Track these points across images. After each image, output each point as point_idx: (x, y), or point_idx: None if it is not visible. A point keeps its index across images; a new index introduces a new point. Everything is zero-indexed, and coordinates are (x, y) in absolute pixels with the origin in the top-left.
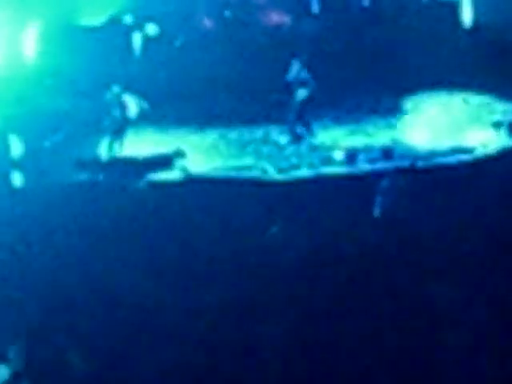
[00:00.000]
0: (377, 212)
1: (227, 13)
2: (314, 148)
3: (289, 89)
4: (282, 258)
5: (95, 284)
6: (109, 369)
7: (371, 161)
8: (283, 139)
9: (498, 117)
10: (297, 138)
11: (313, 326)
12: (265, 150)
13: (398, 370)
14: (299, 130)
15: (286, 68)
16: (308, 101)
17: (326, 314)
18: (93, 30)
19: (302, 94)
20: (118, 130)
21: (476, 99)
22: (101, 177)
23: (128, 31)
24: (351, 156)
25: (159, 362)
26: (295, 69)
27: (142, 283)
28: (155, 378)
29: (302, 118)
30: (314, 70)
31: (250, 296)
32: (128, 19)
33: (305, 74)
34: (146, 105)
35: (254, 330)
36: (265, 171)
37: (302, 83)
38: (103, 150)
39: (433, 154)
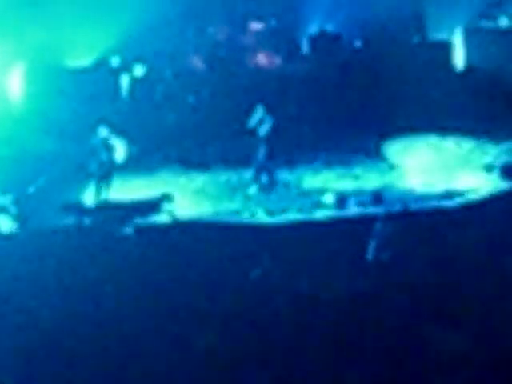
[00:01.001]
0: (369, 256)
1: (217, 53)
2: (304, 192)
3: (252, 135)
4: (270, 302)
5: (80, 329)
6: None
7: (362, 205)
8: (252, 190)
9: (489, 160)
10: (264, 187)
11: (302, 373)
12: (256, 193)
13: None
14: (264, 178)
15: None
16: (270, 148)
17: (315, 360)
18: (80, 71)
19: (264, 140)
20: (105, 174)
21: (467, 142)
22: (87, 222)
23: (115, 73)
24: (341, 200)
25: None
26: (258, 115)
27: (128, 328)
28: None
29: (266, 166)
30: (302, 113)
31: (239, 341)
32: (115, 60)
33: (268, 120)
34: (133, 148)
35: (239, 376)
36: (254, 215)
37: (264, 129)
38: (90, 195)
39: (425, 197)
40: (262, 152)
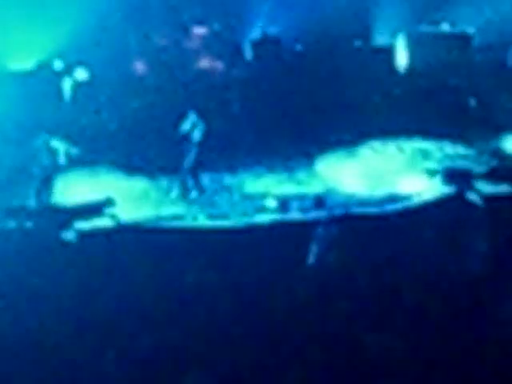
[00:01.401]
0: (310, 260)
1: (160, 57)
2: (247, 196)
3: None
4: (212, 306)
5: (23, 335)
6: None
7: (304, 209)
8: (174, 193)
9: (432, 164)
10: (186, 192)
11: (244, 376)
12: (197, 196)
13: None
14: (190, 183)
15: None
16: (198, 155)
17: (256, 366)
18: (22, 74)
19: (193, 148)
20: (47, 177)
21: (410, 147)
22: (29, 225)
23: (57, 76)
24: (284, 204)
25: None
26: (190, 121)
27: (71, 334)
28: None
29: (194, 172)
30: (244, 117)
31: (178, 344)
32: (58, 64)
33: (200, 126)
34: (75, 151)
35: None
36: (195, 217)
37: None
38: (32, 198)
39: (366, 202)
40: (190, 157)
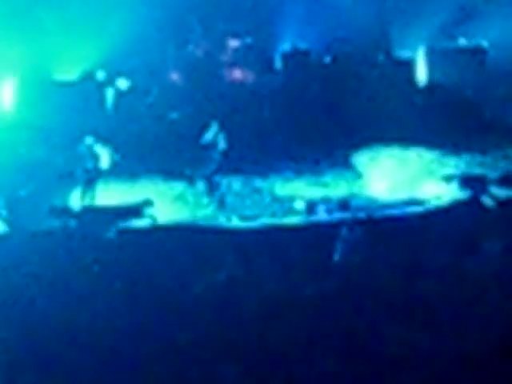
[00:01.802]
0: (336, 258)
1: (195, 68)
2: (276, 198)
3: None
4: (243, 302)
5: (67, 329)
6: None
7: (329, 211)
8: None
9: (449, 171)
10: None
11: (267, 369)
12: (229, 199)
13: None
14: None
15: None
16: (219, 163)
17: (284, 356)
18: (67, 84)
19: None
20: (90, 180)
21: (429, 154)
22: (73, 224)
23: (101, 86)
24: (311, 207)
25: None
26: (212, 132)
27: (113, 324)
28: None
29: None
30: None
31: (214, 335)
32: (100, 74)
33: (221, 138)
34: (117, 156)
35: (216, 370)
36: (229, 218)
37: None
38: (76, 199)
39: (388, 205)
40: (211, 163)
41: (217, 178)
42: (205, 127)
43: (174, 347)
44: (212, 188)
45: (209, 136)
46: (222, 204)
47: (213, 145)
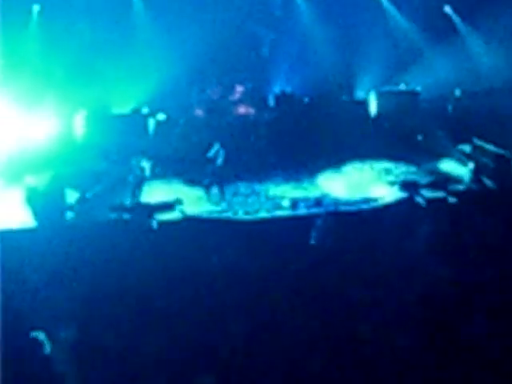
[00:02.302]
0: (312, 242)
1: (211, 105)
2: (270, 198)
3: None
4: (247, 270)
5: (119, 292)
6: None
7: (307, 207)
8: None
9: (392, 178)
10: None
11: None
12: (235, 199)
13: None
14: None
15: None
16: (219, 173)
17: (277, 320)
18: (122, 116)
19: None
20: (138, 185)
21: (378, 166)
22: (126, 217)
23: (145, 117)
24: (294, 204)
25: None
26: (215, 148)
27: (151, 288)
28: None
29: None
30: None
31: (226, 295)
32: (145, 110)
33: (221, 154)
34: (156, 168)
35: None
36: (236, 213)
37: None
38: (128, 198)
39: (348, 203)
40: (213, 173)
41: (227, 184)
42: (208, 147)
43: (198, 306)
44: (223, 191)
45: (210, 153)
46: (230, 202)
47: (213, 159)
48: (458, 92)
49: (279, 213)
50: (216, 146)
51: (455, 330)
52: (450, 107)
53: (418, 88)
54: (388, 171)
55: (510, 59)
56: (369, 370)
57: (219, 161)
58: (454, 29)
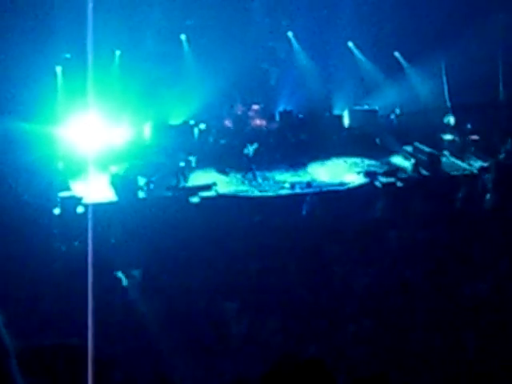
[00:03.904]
0: (304, 212)
1: (236, 119)
2: (276, 182)
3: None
4: (265, 229)
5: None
6: None
7: (302, 188)
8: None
9: (359, 169)
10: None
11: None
12: (253, 183)
13: None
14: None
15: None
16: (252, 163)
17: (270, 270)
18: (175, 126)
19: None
20: (186, 172)
21: (349, 160)
22: (179, 194)
23: (191, 127)
24: (292, 186)
25: None
26: (251, 149)
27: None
28: None
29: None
30: (276, 148)
31: (253, 247)
32: (191, 121)
33: (252, 152)
34: (198, 162)
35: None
36: (253, 192)
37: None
38: (179, 182)
39: (329, 185)
40: (250, 164)
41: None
42: (245, 146)
43: (226, 253)
44: (246, 177)
45: (247, 151)
46: (250, 184)
47: (249, 155)
48: (397, 110)
49: (282, 192)
50: (250, 146)
51: (399, 273)
52: (395, 121)
53: (377, 107)
54: (356, 164)
55: (438, 88)
56: (339, 294)
57: (252, 155)
58: (400, 67)
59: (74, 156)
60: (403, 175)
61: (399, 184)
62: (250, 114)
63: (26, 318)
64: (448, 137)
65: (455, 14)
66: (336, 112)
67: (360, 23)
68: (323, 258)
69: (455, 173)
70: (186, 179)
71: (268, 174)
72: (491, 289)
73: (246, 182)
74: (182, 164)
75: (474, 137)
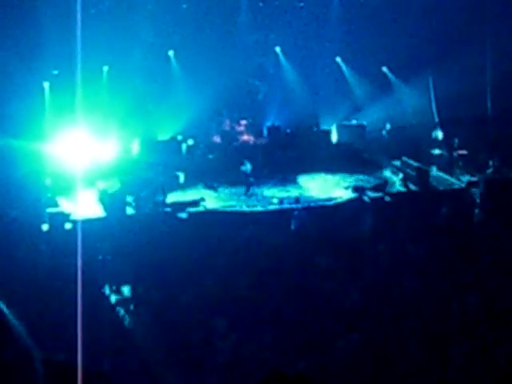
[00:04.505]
0: (292, 227)
1: (224, 134)
2: (264, 197)
3: (246, 174)
4: (255, 242)
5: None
6: None
7: (290, 203)
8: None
9: (347, 184)
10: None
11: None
12: (241, 197)
13: None
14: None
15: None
16: (252, 180)
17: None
18: (163, 142)
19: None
20: (174, 188)
21: (337, 176)
22: (166, 210)
23: (179, 142)
24: (281, 201)
25: None
26: (248, 165)
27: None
28: None
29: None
30: (264, 164)
31: (246, 260)
32: (179, 137)
33: (250, 168)
34: (186, 177)
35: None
36: (241, 207)
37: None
38: (167, 197)
39: (317, 200)
40: (247, 179)
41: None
42: (241, 162)
43: (214, 269)
44: (247, 194)
45: (244, 167)
46: (238, 200)
47: (246, 171)
48: (388, 126)
49: (270, 207)
50: (248, 163)
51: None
52: (385, 136)
53: (365, 123)
54: (344, 179)
55: (426, 103)
56: (327, 309)
57: (248, 172)
58: (388, 83)
59: (62, 172)
60: (391, 190)
61: (387, 199)
62: (238, 129)
63: None
64: (436, 151)
65: (442, 30)
66: (324, 127)
67: (348, 38)
68: (312, 273)
69: (443, 187)
70: (175, 194)
71: (256, 190)
72: (479, 303)
73: (244, 198)
74: (172, 179)
75: (462, 151)
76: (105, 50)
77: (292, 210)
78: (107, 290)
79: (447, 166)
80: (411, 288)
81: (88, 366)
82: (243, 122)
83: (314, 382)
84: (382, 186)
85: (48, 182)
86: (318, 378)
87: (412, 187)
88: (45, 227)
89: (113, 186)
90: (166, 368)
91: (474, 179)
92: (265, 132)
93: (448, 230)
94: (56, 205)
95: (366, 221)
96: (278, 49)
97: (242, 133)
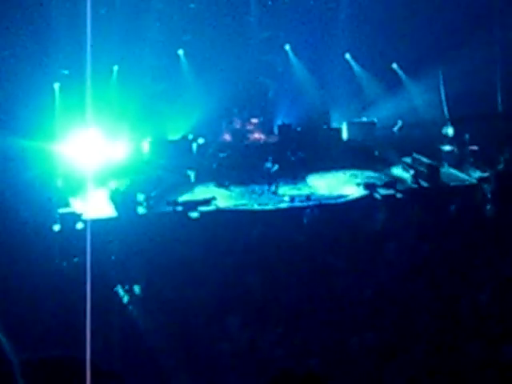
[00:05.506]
0: (304, 223)
1: (234, 133)
2: (276, 195)
3: (267, 171)
4: (265, 241)
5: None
6: None
7: (301, 201)
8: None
9: (358, 181)
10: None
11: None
12: (253, 196)
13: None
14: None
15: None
16: (274, 177)
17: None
18: (174, 141)
19: (271, 173)
20: (186, 187)
21: (348, 172)
22: (178, 209)
23: (190, 141)
24: (292, 199)
25: None
26: (269, 162)
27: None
28: None
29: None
30: (275, 159)
31: (254, 259)
32: (190, 136)
33: (271, 165)
34: (197, 176)
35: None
36: (252, 205)
37: (271, 169)
38: (179, 196)
39: (328, 198)
40: (270, 176)
41: (247, 186)
42: (265, 160)
43: (225, 267)
44: (270, 189)
45: (267, 164)
46: (249, 198)
47: (269, 168)
48: (400, 122)
49: (282, 205)
50: (269, 161)
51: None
52: (397, 133)
53: (375, 120)
54: (355, 176)
55: (436, 99)
56: (340, 307)
57: (273, 169)
58: (398, 79)
59: (73, 172)
60: (402, 187)
61: (399, 195)
62: (249, 127)
63: (25, 333)
64: (447, 148)
65: (453, 25)
66: (334, 125)
67: (357, 35)
68: (324, 271)
69: (454, 183)
70: (186, 193)
71: (280, 187)
72: (490, 299)
73: (256, 196)
74: (184, 178)
75: (473, 147)
76: (114, 49)
77: (303, 208)
78: (119, 290)
79: (458, 162)
80: (423, 285)
81: (99, 365)
82: (254, 120)
83: (325, 381)
84: (393, 182)
85: (59, 182)
86: (330, 377)
87: (423, 184)
88: (56, 227)
89: (124, 185)
90: (178, 367)
91: (485, 175)
92: (275, 130)
93: (459, 226)
94: (67, 205)
95: (377, 218)
96: (287, 47)
97: (252, 131)
